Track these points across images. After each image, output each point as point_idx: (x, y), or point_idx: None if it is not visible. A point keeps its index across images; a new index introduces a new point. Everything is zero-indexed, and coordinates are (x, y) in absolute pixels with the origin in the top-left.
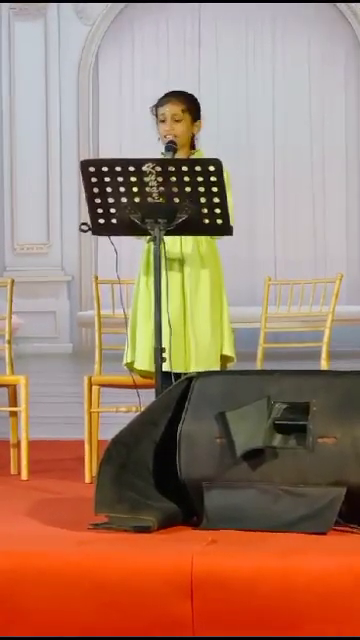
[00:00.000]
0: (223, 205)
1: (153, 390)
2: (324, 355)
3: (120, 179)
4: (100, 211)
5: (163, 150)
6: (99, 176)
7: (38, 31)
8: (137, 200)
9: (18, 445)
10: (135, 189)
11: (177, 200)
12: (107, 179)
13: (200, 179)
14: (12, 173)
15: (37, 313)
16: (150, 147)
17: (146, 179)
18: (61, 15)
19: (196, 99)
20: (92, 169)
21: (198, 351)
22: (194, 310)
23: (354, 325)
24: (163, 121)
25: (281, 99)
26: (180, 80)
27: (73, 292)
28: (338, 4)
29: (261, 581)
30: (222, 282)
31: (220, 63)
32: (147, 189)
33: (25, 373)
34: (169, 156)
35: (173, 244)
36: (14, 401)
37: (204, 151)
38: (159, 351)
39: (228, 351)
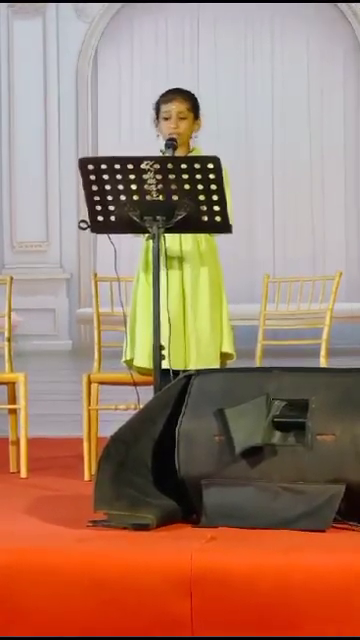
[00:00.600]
0: (222, 202)
1: (152, 387)
2: (323, 352)
3: (119, 177)
4: (99, 209)
5: (163, 147)
6: (98, 174)
7: (37, 29)
8: (136, 198)
9: (17, 443)
10: (134, 187)
11: (176, 197)
12: (106, 177)
13: (199, 177)
14: (11, 171)
15: (36, 311)
16: (149, 145)
17: (145, 177)
18: (60, 13)
19: (197, 98)
20: (91, 167)
21: (197, 348)
22: (193, 307)
23: (353, 322)
24: (167, 118)
25: (280, 98)
26: (179, 78)
27: (72, 290)
28: (338, 4)
29: (260, 578)
30: (221, 280)
31: (219, 61)
32: (146, 187)
33: (24, 371)
34: (169, 153)
35: (173, 242)
36: (13, 399)
37: (202, 149)
38: (158, 348)
39: (227, 348)
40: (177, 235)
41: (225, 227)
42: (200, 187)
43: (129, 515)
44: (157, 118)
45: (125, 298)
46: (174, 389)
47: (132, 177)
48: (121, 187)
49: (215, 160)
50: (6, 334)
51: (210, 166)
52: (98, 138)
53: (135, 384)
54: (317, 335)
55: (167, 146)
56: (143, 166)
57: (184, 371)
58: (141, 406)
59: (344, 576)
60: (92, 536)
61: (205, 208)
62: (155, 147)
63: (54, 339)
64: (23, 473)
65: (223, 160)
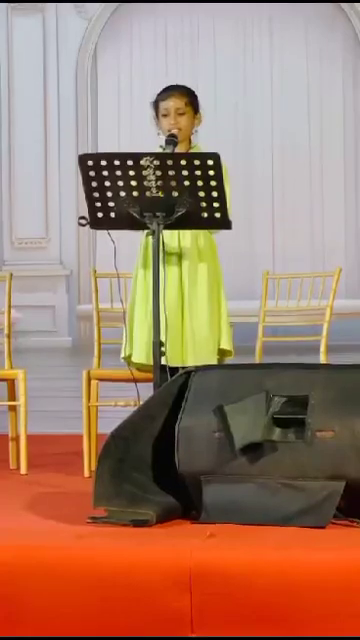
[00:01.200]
0: (221, 199)
1: (152, 384)
2: (323, 349)
3: (118, 173)
4: (98, 205)
5: (163, 144)
6: (97, 170)
7: (36, 26)
8: (135, 194)
9: (17, 439)
10: (134, 183)
11: (175, 194)
12: (105, 173)
13: (198, 173)
14: (10, 168)
15: (36, 307)
16: (149, 141)
17: (144, 173)
18: (59, 10)
19: (195, 92)
20: (90, 163)
21: (196, 345)
22: (192, 304)
23: (353, 319)
24: (166, 115)
25: (279, 95)
26: (178, 75)
27: (72, 286)
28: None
29: (259, 574)
30: (220, 276)
31: (218, 59)
32: (145, 183)
33: (24, 367)
34: (169, 150)
35: (171, 238)
36: (13, 395)
37: (202, 146)
38: (157, 345)
39: (226, 345)
40: (175, 231)
41: (225, 223)
42: (200, 183)
43: (129, 511)
44: (156, 116)
45: (125, 294)
46: (174, 386)
47: (132, 173)
48: (121, 183)
49: (215, 157)
50: (6, 330)
51: (210, 163)
52: (98, 134)
53: (135, 380)
54: (317, 332)
55: (167, 142)
56: (143, 162)
57: (182, 367)
58: (141, 403)
59: (344, 572)
60: (92, 532)
61: (205, 204)
62: (155, 143)
63: (54, 335)
64: (23, 470)
65: (222, 158)
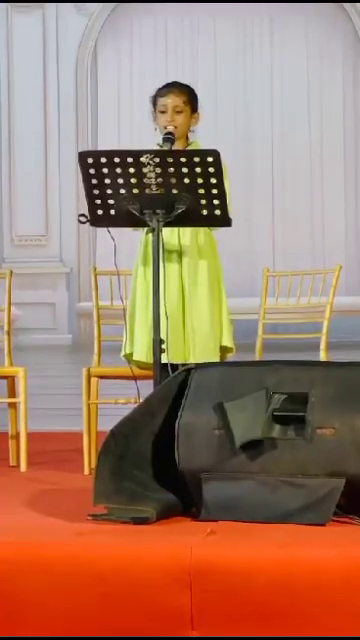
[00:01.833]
0: (222, 196)
1: (152, 381)
2: (323, 346)
3: (118, 170)
4: (98, 202)
5: (160, 141)
6: (97, 167)
7: (36, 23)
8: (135, 191)
9: (17, 437)
10: (133, 180)
11: (175, 191)
12: (105, 170)
13: (198, 170)
14: (10, 165)
15: (36, 304)
16: (149, 139)
17: (144, 170)
18: (59, 8)
19: (195, 91)
20: (90, 160)
21: (197, 342)
22: (192, 301)
23: (353, 316)
24: (163, 112)
25: (279, 92)
26: (178, 74)
27: (72, 283)
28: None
29: (259, 572)
30: (220, 273)
31: (218, 57)
32: (145, 180)
33: (24, 365)
34: (167, 147)
35: (171, 235)
36: (13, 392)
37: (200, 143)
38: (158, 342)
39: (227, 342)
40: (175, 229)
41: (225, 221)
42: (200, 181)
43: (129, 509)
44: (154, 112)
45: (125, 292)
46: (174, 383)
47: (132, 170)
48: (121, 181)
49: (214, 154)
50: (5, 328)
51: (210, 160)
52: (98, 131)
53: (135, 378)
54: (317, 329)
55: (165, 140)
56: (143, 159)
57: (183, 364)
58: (141, 400)
59: (344, 570)
60: (92, 530)
61: (205, 202)
62: (154, 140)
63: (54, 333)
64: (23, 467)
65: (222, 156)
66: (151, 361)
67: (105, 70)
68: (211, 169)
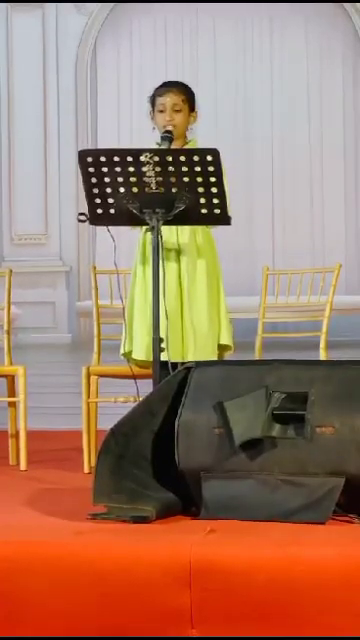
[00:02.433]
0: (221, 195)
1: (151, 380)
2: (322, 345)
3: (118, 169)
4: (98, 201)
5: (159, 140)
6: (97, 166)
7: (36, 22)
8: (135, 190)
9: (16, 435)
10: (133, 179)
11: (175, 190)
12: (105, 169)
13: (198, 169)
14: (10, 164)
15: (35, 303)
16: (148, 138)
17: (144, 169)
18: (59, 7)
19: (192, 90)
20: (90, 159)
21: (195, 340)
22: (191, 300)
23: (353, 315)
24: (162, 111)
25: (279, 92)
26: (178, 73)
27: (71, 282)
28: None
29: (259, 571)
30: (219, 272)
31: (218, 57)
32: (145, 179)
33: (23, 363)
34: (165, 146)
35: (169, 234)
36: (12, 391)
37: (200, 142)
38: (157, 341)
39: (226, 340)
40: (173, 227)
41: (224, 219)
42: (199, 179)
43: (128, 508)
44: (153, 111)
45: (124, 291)
46: (173, 381)
47: (131, 169)
48: (120, 179)
49: (214, 152)
50: (5, 327)
51: (209, 158)
52: (97, 130)
53: (134, 377)
54: (317, 328)
55: (163, 139)
56: (142, 158)
57: (182, 363)
58: (141, 398)
59: (343, 569)
60: (91, 529)
61: (204, 200)
62: (154, 139)
63: (53, 332)
64: (22, 466)
65: (222, 155)
66: (151, 359)
67: (105, 69)
68: (211, 168)
